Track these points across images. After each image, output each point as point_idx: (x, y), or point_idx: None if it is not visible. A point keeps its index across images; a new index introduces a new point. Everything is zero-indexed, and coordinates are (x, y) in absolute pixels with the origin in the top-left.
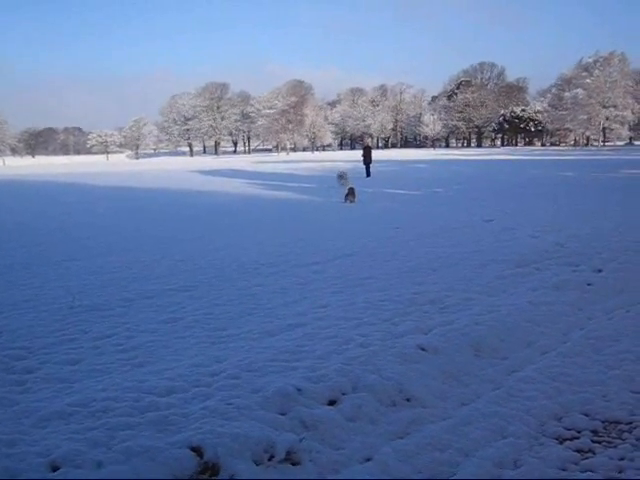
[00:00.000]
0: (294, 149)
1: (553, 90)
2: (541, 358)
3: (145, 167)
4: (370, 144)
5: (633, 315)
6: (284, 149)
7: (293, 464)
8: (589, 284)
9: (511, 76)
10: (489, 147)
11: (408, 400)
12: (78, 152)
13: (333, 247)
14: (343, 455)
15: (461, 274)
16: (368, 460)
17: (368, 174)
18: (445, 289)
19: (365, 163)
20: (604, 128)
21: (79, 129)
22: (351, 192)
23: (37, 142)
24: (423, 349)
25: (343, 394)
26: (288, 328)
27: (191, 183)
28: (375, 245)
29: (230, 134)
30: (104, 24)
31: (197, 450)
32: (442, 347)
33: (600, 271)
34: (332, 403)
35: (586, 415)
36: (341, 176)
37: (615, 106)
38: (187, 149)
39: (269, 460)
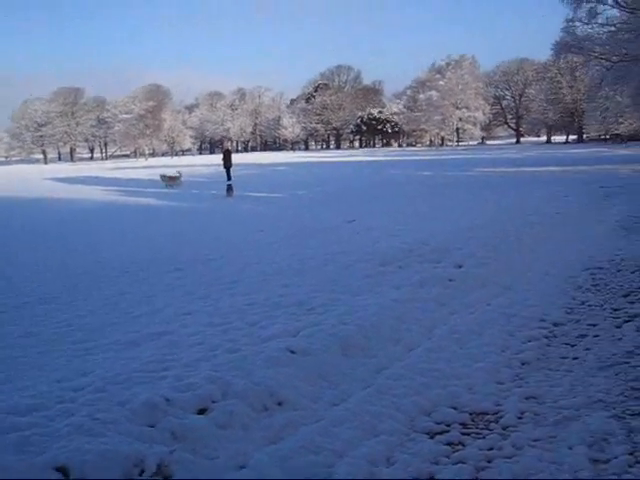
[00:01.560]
0: (153, 154)
1: (408, 92)
2: (408, 355)
3: None
4: (230, 148)
5: (494, 308)
6: (143, 154)
7: (165, 478)
8: (451, 280)
9: (367, 79)
10: (348, 149)
11: (280, 404)
12: None
13: (195, 252)
14: (216, 464)
15: (327, 275)
16: (242, 467)
17: (229, 178)
18: (311, 291)
19: (225, 167)
20: (458, 128)
21: None
22: (230, 187)
23: None
24: (292, 352)
25: (213, 402)
26: (155, 336)
27: (40, 192)
28: (239, 248)
29: (86, 140)
30: None
31: (62, 470)
32: (311, 349)
33: (460, 267)
34: (202, 411)
35: (454, 408)
36: (165, 177)
37: (467, 107)
38: (41, 156)
39: (140, 475)
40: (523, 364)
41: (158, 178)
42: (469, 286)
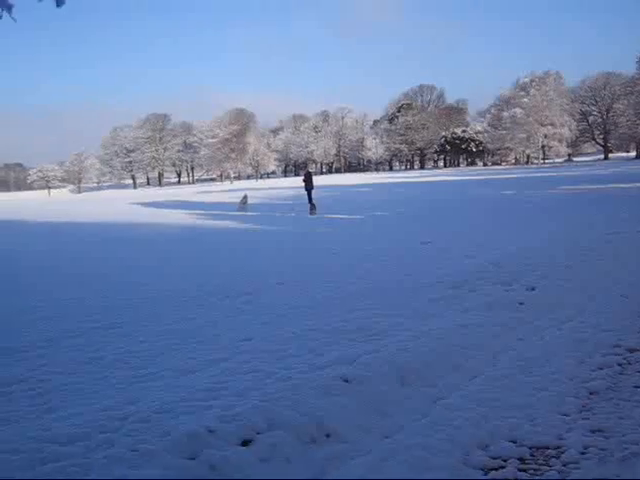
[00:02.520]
0: (238, 177)
1: (492, 110)
2: (469, 383)
3: (85, 200)
4: (310, 170)
5: (564, 334)
6: (228, 178)
7: None
8: (521, 303)
9: (451, 98)
10: (432, 168)
11: (328, 436)
12: (19, 188)
13: (266, 275)
14: None
15: (393, 299)
16: None
17: (310, 200)
18: (376, 315)
19: (306, 189)
20: (543, 146)
21: (20, 165)
22: (313, 206)
23: None
24: (346, 380)
25: (258, 433)
26: (209, 364)
27: (130, 216)
28: (309, 272)
29: (173, 165)
30: (39, 56)
31: None
32: (366, 377)
33: (533, 289)
34: (246, 443)
35: (513, 442)
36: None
37: (553, 124)
38: (130, 181)
39: None
40: (591, 394)
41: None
42: (540, 309)
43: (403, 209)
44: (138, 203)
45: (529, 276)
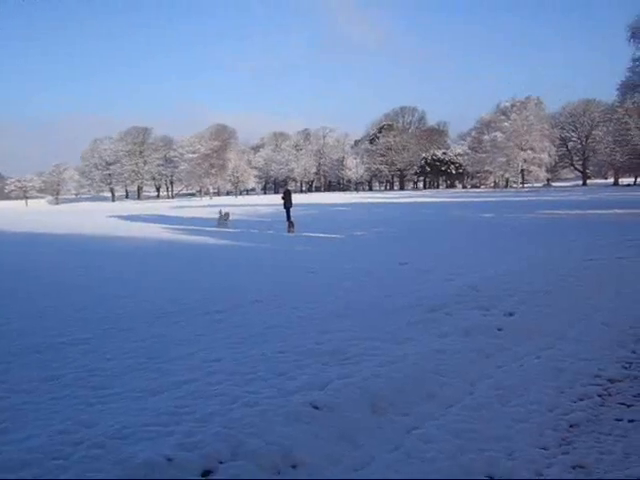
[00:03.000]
0: (217, 193)
1: (473, 133)
2: (444, 412)
3: (63, 211)
4: (290, 188)
5: (543, 361)
6: (207, 193)
7: None
8: (499, 329)
9: (432, 120)
10: (412, 190)
11: (294, 467)
12: None
13: (240, 293)
14: None
15: (369, 321)
16: None
17: (288, 218)
18: (350, 338)
19: (285, 207)
20: (522, 170)
21: None
22: (291, 224)
23: None
24: (316, 407)
25: (220, 462)
26: (174, 385)
27: (103, 229)
28: (285, 290)
29: (153, 178)
30: (23, 65)
31: None
32: (337, 404)
33: (512, 314)
34: (207, 473)
35: (490, 478)
36: (222, 217)
37: (532, 149)
38: (109, 194)
39: None
40: (571, 426)
41: (217, 217)
42: (519, 336)
43: (382, 229)
44: (115, 216)
45: (508, 301)
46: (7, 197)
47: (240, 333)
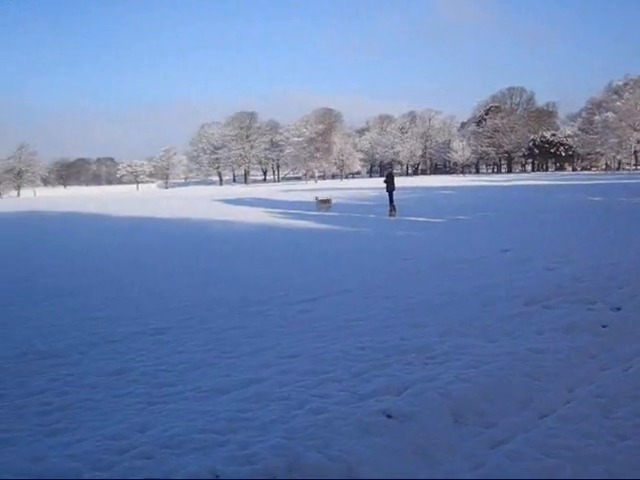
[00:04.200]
0: (323, 177)
1: (583, 114)
2: (536, 424)
3: (171, 195)
4: (393, 171)
5: None
6: (312, 177)
7: None
8: (604, 326)
9: (540, 100)
10: (519, 172)
11: None
12: (110, 182)
13: (332, 281)
14: None
15: (462, 314)
16: None
17: (391, 201)
18: (439, 333)
19: (388, 190)
20: (636, 152)
21: (111, 159)
22: (393, 208)
23: (69, 173)
24: (389, 415)
25: None
26: (242, 384)
27: (207, 213)
28: (378, 279)
29: (259, 162)
30: (134, 55)
31: None
32: (414, 412)
33: (619, 309)
34: None
35: None
36: (321, 201)
37: None
38: (217, 178)
39: None
40: None
41: (315, 202)
42: (626, 334)
43: (486, 213)
44: (221, 200)
45: (615, 294)
46: (119, 182)
47: (324, 325)
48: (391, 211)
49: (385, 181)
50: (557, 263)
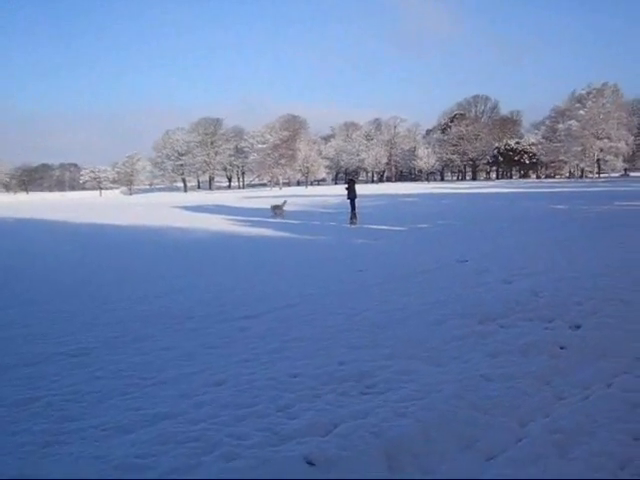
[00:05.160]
0: (288, 184)
1: (547, 122)
2: (482, 468)
3: (133, 202)
4: (354, 178)
5: (615, 392)
6: (277, 184)
7: None
8: (562, 347)
9: (505, 109)
10: (484, 180)
11: None
12: (73, 188)
13: (278, 294)
14: None
15: (411, 333)
16: None
17: (353, 209)
18: (383, 356)
19: (349, 198)
20: (598, 160)
21: (75, 165)
22: (354, 215)
23: (32, 178)
24: (310, 463)
25: None
26: (151, 421)
27: (164, 220)
28: (325, 293)
29: (224, 169)
30: (99, 59)
31: None
32: (340, 458)
33: (578, 327)
34: None
35: None
36: (277, 207)
37: (609, 137)
38: (182, 184)
39: None
40: None
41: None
42: (586, 356)
43: (448, 221)
44: (180, 206)
45: (574, 310)
46: (82, 187)
47: (259, 347)
48: (352, 219)
49: (346, 188)
50: (515, 276)
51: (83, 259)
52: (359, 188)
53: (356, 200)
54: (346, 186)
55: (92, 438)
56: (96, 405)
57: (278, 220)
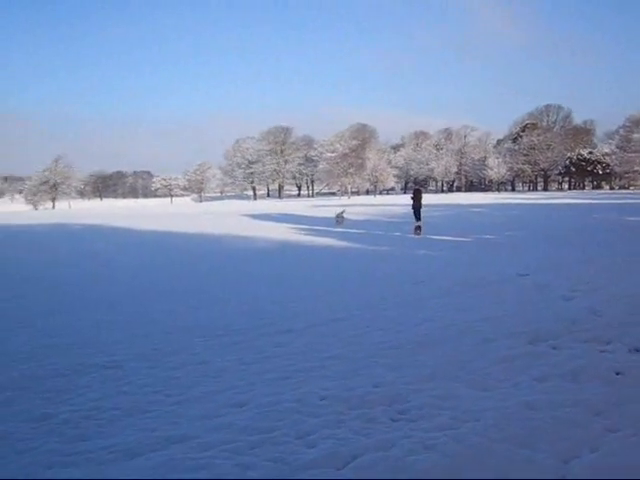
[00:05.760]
0: (357, 192)
1: (621, 132)
2: None
3: (202, 211)
4: (420, 188)
5: None
6: (346, 193)
7: None
8: (618, 373)
9: (578, 118)
10: (555, 190)
11: None
12: (145, 195)
13: (327, 307)
14: None
15: (456, 353)
16: None
17: (417, 218)
18: (422, 378)
19: (413, 207)
20: None
21: (148, 172)
22: (419, 226)
23: (106, 185)
24: None
25: None
26: (162, 444)
27: (232, 227)
28: (377, 305)
29: (293, 177)
30: (170, 68)
31: None
32: None
33: (638, 351)
34: None
35: None
36: (338, 216)
37: None
38: (251, 192)
39: None
40: None
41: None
42: None
43: (515, 232)
44: (248, 215)
45: (635, 331)
46: (154, 195)
47: (294, 364)
48: (417, 229)
49: (412, 197)
50: (576, 291)
51: (138, 272)
52: (427, 198)
53: (422, 210)
54: (411, 195)
55: (98, 461)
56: (113, 424)
57: (340, 229)
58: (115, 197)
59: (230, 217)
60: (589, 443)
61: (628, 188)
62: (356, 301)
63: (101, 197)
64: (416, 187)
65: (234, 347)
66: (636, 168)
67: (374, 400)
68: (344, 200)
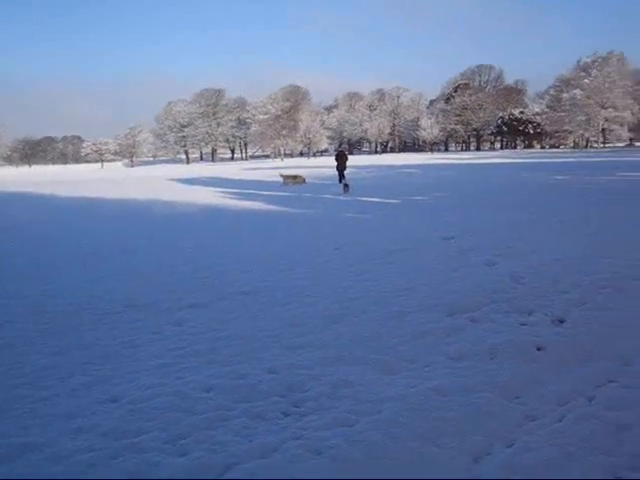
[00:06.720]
0: (291, 155)
1: (551, 92)
2: None
3: (126, 175)
4: (344, 150)
5: (598, 410)
6: (279, 155)
7: None
8: (539, 348)
9: (509, 78)
10: (488, 150)
11: None
12: (76, 160)
13: (236, 279)
14: None
15: (365, 329)
16: None
17: (340, 180)
18: (323, 360)
19: (338, 169)
20: (603, 129)
21: (78, 137)
22: (345, 186)
23: (35, 151)
24: None
25: None
26: (11, 456)
27: (156, 193)
28: (288, 277)
29: (227, 141)
30: (100, 29)
31: None
32: None
33: (561, 322)
34: None
35: None
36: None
37: (614, 107)
38: (184, 156)
39: None
40: None
41: (281, 180)
42: (566, 359)
43: (444, 193)
44: (176, 179)
45: (559, 300)
46: (85, 160)
47: (185, 347)
48: (345, 187)
49: (336, 159)
50: (499, 256)
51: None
52: (361, 159)
53: (351, 172)
54: (335, 157)
55: None
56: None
57: (267, 193)
58: (45, 163)
59: (157, 181)
60: (504, 434)
61: (558, 147)
62: (270, 270)
63: (30, 164)
64: (339, 150)
65: (128, 327)
66: (565, 127)
67: (266, 390)
68: (277, 162)
